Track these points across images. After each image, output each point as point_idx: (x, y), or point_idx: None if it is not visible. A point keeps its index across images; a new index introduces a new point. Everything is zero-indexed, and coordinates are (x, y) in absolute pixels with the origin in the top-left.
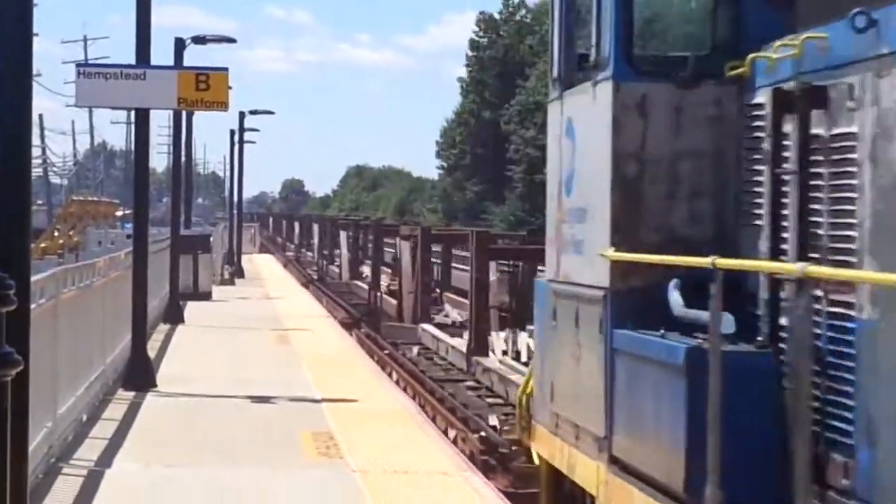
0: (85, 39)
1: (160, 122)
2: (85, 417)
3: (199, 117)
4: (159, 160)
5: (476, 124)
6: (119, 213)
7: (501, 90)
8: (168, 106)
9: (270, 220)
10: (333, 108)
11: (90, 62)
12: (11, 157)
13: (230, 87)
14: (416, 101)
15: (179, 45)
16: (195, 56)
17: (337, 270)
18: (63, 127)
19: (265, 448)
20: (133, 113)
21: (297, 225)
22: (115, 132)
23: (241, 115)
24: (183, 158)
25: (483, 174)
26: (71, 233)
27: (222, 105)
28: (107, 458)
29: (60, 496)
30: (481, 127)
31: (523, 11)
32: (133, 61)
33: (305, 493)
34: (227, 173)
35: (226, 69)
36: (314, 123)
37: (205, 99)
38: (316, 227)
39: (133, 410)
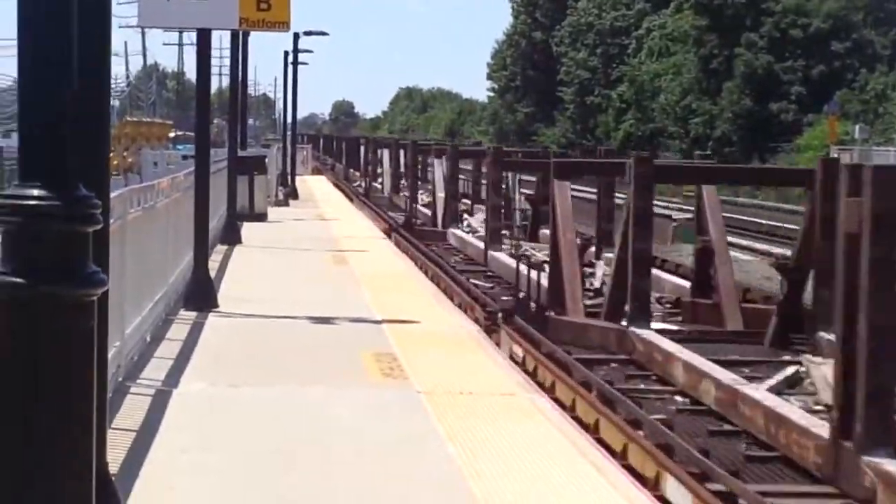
0: None
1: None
2: (149, 338)
3: (250, 39)
4: (212, 82)
5: (527, 46)
6: (172, 135)
7: (553, 11)
8: (230, 26)
9: (321, 141)
10: (382, 30)
11: None
12: (90, 76)
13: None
14: (465, 24)
15: None
16: None
17: (379, 186)
18: (116, 48)
19: (328, 368)
20: (185, 35)
21: (344, 145)
22: (167, 53)
23: (296, 37)
24: (239, 80)
25: (534, 96)
26: (125, 153)
27: (284, 25)
28: (173, 377)
29: (130, 415)
30: (532, 48)
31: None
32: None
33: (371, 413)
34: (280, 95)
35: None
36: (363, 45)
37: (266, 19)
38: (361, 148)
39: (196, 330)
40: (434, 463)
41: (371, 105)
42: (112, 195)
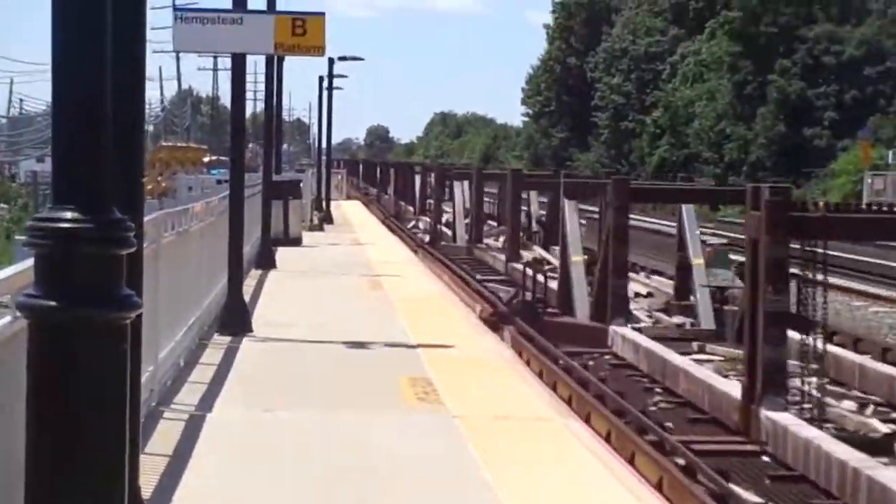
0: None
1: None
2: (183, 362)
3: (284, 64)
4: (246, 107)
5: (562, 71)
6: (206, 160)
7: (587, 37)
8: (265, 51)
9: (360, 166)
10: (417, 55)
11: (187, 6)
12: (124, 102)
13: None
14: (498, 49)
15: None
16: (281, 2)
17: (410, 208)
18: (150, 73)
19: (364, 393)
20: (220, 59)
21: (378, 170)
22: (201, 79)
23: (331, 62)
24: (274, 105)
25: (568, 121)
26: (159, 178)
27: (319, 50)
28: (207, 402)
29: (163, 441)
30: (567, 74)
31: None
32: (222, 6)
33: (406, 437)
34: (315, 119)
35: (322, 14)
36: (398, 70)
37: (301, 44)
38: (392, 172)
39: (230, 355)
40: (470, 488)
41: (406, 130)
42: (146, 219)
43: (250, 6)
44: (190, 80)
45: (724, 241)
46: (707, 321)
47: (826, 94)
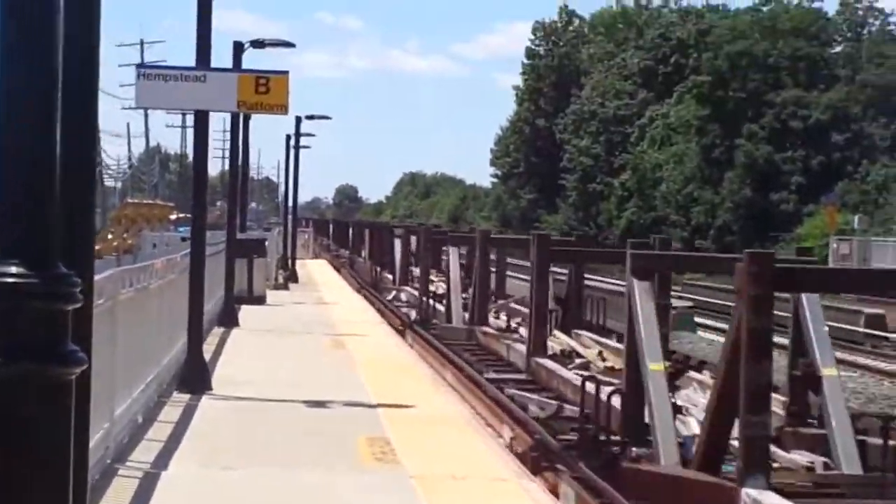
0: (142, 43)
1: (213, 128)
2: (141, 419)
3: (254, 122)
4: (213, 165)
5: (530, 132)
6: (173, 217)
7: (556, 99)
8: (228, 108)
9: (330, 226)
10: (387, 116)
11: (150, 64)
12: (75, 156)
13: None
14: (468, 110)
15: (238, 49)
16: (247, 61)
17: (389, 276)
18: (118, 129)
19: (321, 452)
20: (188, 116)
21: (350, 231)
22: (169, 136)
23: (298, 120)
24: (239, 163)
25: (537, 182)
26: (125, 235)
27: (282, 108)
28: (163, 460)
29: (116, 498)
30: (536, 135)
31: (577, 22)
32: (190, 64)
33: (362, 498)
34: (282, 178)
35: (286, 72)
36: (368, 130)
37: (264, 102)
38: (367, 233)
39: (188, 413)
40: None
41: (375, 190)
42: (103, 276)
43: (221, 63)
44: (158, 137)
45: (689, 303)
46: (850, 462)
47: (793, 158)
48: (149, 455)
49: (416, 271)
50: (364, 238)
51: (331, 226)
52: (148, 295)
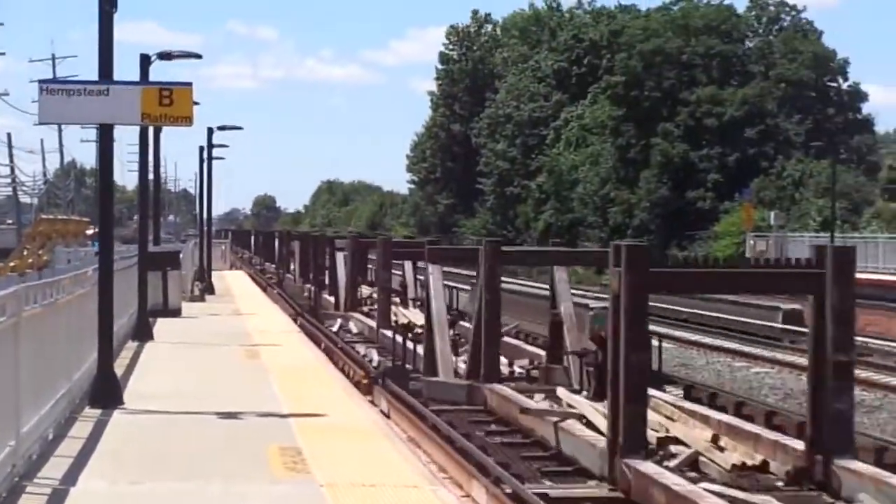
0: (53, 58)
1: (130, 140)
2: (51, 435)
3: (171, 135)
4: (131, 178)
5: (446, 137)
6: (90, 232)
7: (471, 103)
8: (132, 121)
9: (253, 237)
10: (302, 124)
11: (53, 79)
12: None
13: (197, 103)
14: (384, 116)
15: (144, 61)
16: (161, 73)
17: (331, 298)
18: (32, 146)
19: (232, 464)
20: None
21: (277, 243)
22: (85, 150)
23: (210, 131)
24: (151, 175)
25: (454, 187)
26: (40, 251)
27: (186, 120)
28: (72, 475)
29: None
30: (451, 140)
31: (490, 27)
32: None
33: None
34: (197, 190)
35: (189, 84)
36: (284, 139)
37: (169, 114)
38: (297, 246)
39: (99, 428)
40: None
41: (293, 199)
42: (4, 292)
43: (133, 77)
44: (74, 152)
45: (605, 304)
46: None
47: (709, 156)
48: (58, 471)
49: (365, 291)
50: (295, 252)
51: (253, 237)
52: (55, 310)
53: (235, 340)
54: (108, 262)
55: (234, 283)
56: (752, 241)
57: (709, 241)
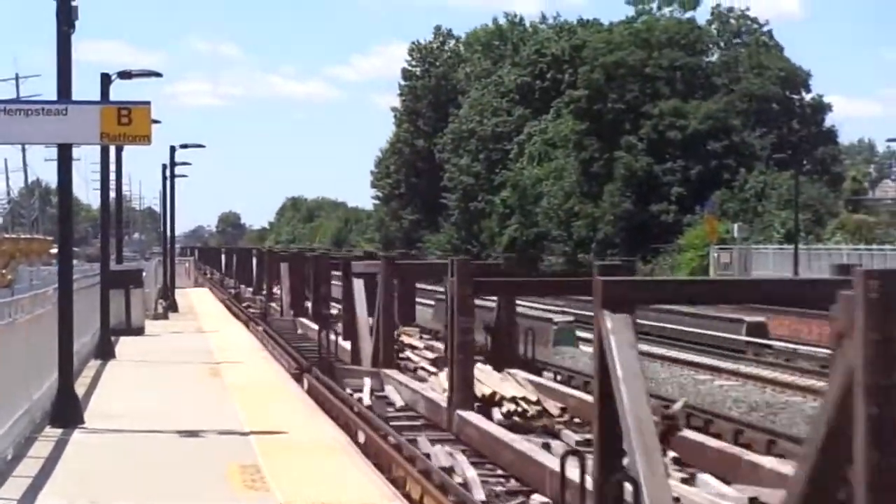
0: (17, 77)
1: (95, 159)
2: (10, 455)
3: (136, 153)
4: (95, 197)
5: (410, 153)
6: (54, 251)
7: (435, 119)
8: (90, 141)
9: (224, 255)
10: (267, 141)
11: (12, 99)
12: None
13: (158, 122)
14: (347, 132)
15: (105, 80)
16: (123, 92)
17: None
18: None
19: (192, 482)
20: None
21: (255, 262)
22: (49, 169)
23: (172, 150)
24: (113, 193)
25: (418, 202)
26: (3, 271)
27: (145, 139)
28: (29, 496)
29: None
30: (415, 156)
31: (452, 42)
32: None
33: None
34: (161, 207)
35: (148, 103)
36: (248, 156)
37: (128, 133)
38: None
39: (59, 448)
40: None
41: (257, 216)
42: None
43: (95, 96)
44: (38, 171)
45: (571, 318)
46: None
47: (672, 169)
48: (16, 492)
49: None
50: (278, 274)
51: (224, 255)
52: (14, 330)
53: (197, 358)
54: (67, 281)
55: (197, 300)
56: (716, 254)
57: (673, 254)
